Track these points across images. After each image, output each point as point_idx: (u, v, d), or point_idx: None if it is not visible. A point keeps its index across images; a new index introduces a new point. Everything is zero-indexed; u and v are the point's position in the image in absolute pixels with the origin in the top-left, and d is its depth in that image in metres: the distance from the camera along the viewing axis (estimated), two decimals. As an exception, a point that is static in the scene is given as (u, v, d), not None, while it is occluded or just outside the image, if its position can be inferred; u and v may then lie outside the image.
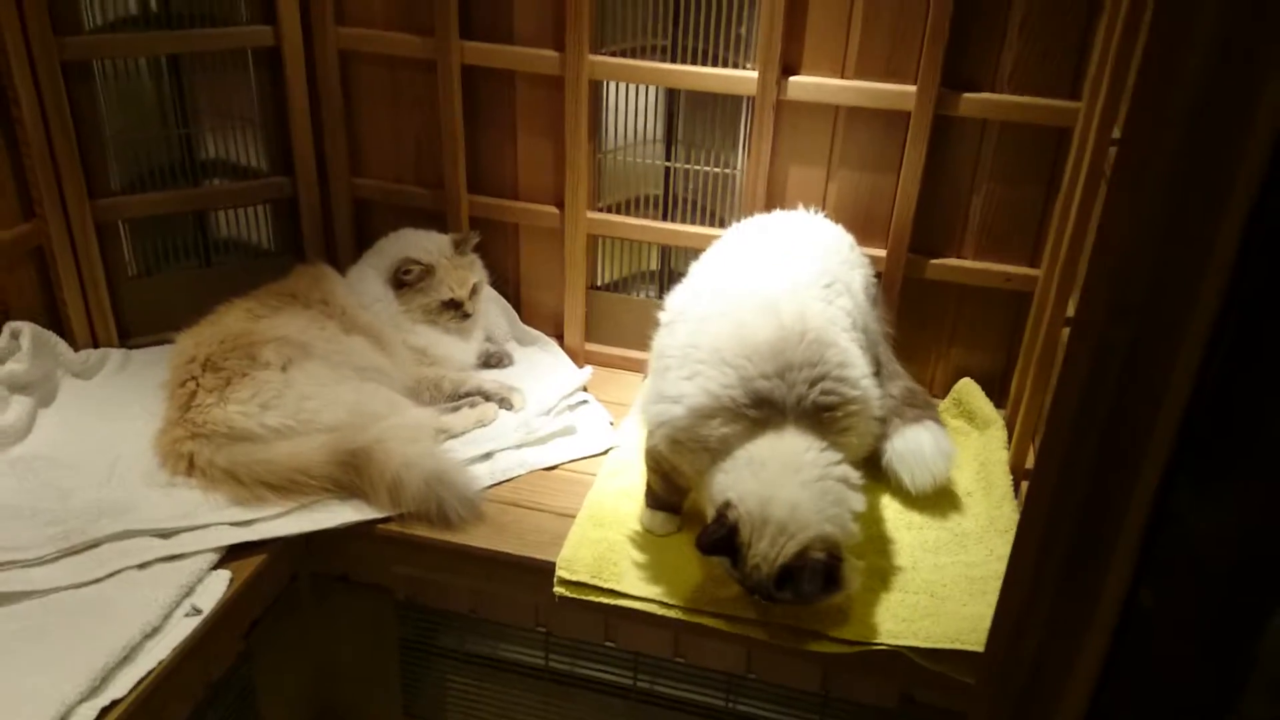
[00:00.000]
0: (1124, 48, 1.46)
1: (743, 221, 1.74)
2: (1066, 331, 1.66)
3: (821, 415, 1.36)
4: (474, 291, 1.98)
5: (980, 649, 1.38)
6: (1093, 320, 0.82)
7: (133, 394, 1.86)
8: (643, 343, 2.10)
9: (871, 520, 1.66)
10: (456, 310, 1.96)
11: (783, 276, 1.50)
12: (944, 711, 1.54)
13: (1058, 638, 1.02)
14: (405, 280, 1.93)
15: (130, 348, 2.03)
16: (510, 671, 1.77)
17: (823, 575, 1.30)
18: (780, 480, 1.31)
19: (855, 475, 1.38)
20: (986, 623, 1.40)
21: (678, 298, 1.59)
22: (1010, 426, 1.83)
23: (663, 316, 1.58)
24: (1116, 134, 1.51)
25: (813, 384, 1.36)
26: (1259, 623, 0.92)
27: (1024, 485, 1.74)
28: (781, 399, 1.35)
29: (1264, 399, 0.79)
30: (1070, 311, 1.67)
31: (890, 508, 1.69)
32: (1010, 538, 1.60)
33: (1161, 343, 0.79)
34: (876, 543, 1.61)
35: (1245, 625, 0.93)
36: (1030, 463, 1.78)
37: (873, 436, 1.47)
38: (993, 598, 1.47)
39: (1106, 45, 1.53)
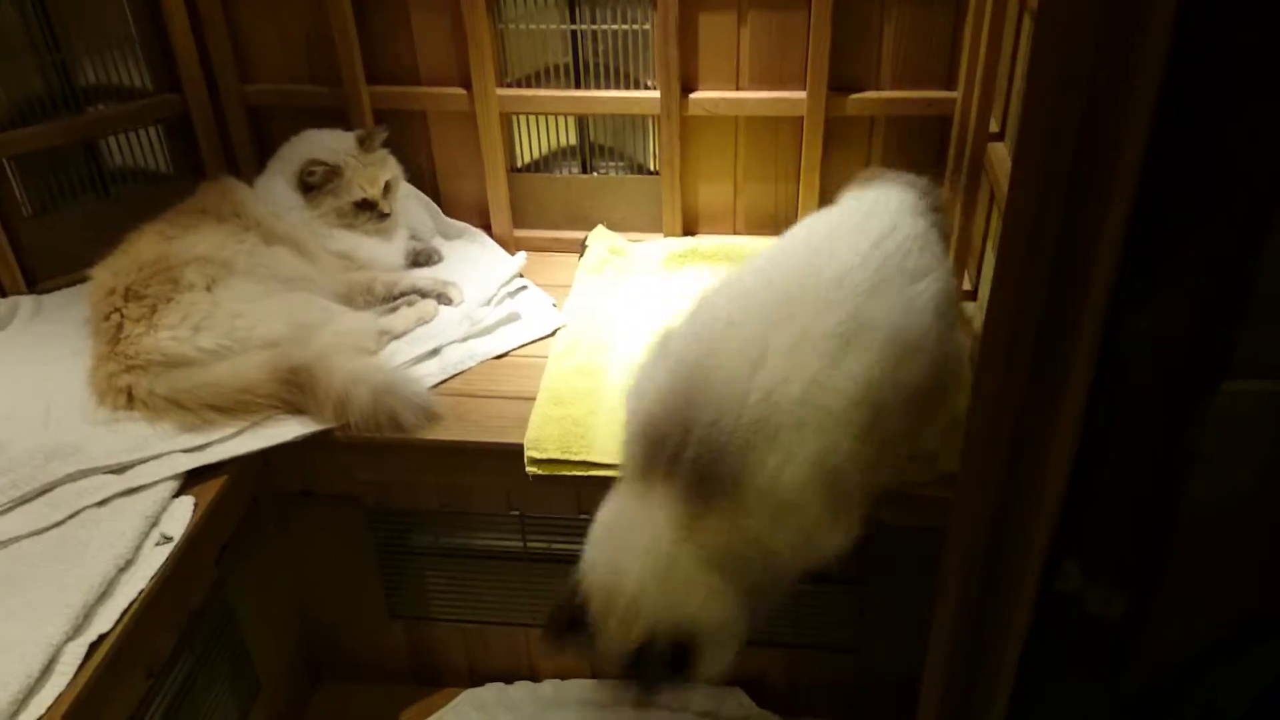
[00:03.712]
0: None
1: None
2: (991, 147, 1.69)
3: (707, 494, 1.11)
4: (388, 189, 1.91)
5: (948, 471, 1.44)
6: (1043, 98, 0.83)
7: (52, 338, 1.77)
8: (571, 222, 2.09)
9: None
10: (371, 211, 1.89)
11: (792, 317, 1.17)
12: (916, 527, 1.61)
13: (1029, 439, 1.06)
14: (311, 183, 1.85)
15: (40, 293, 1.93)
16: (489, 558, 1.79)
17: (670, 662, 1.12)
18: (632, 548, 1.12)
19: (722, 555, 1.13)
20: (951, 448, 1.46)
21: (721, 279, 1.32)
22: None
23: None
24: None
25: (708, 454, 1.09)
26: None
27: (963, 304, 1.79)
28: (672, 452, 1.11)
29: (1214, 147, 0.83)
30: (994, 128, 1.70)
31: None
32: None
33: (1109, 112, 0.80)
34: (831, 380, 1.65)
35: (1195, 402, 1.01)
36: (966, 284, 1.83)
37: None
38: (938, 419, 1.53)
39: None
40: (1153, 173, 0.85)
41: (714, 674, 1.15)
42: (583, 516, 1.72)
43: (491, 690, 1.92)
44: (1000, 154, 1.64)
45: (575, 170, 2.06)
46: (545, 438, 1.57)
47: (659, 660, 1.09)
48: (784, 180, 1.98)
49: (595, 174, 2.05)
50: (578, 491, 1.66)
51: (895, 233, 1.27)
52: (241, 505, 1.66)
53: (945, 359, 1.26)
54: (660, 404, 1.14)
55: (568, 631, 1.14)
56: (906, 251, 1.25)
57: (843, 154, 1.95)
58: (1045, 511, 1.06)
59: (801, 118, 1.90)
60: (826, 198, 1.98)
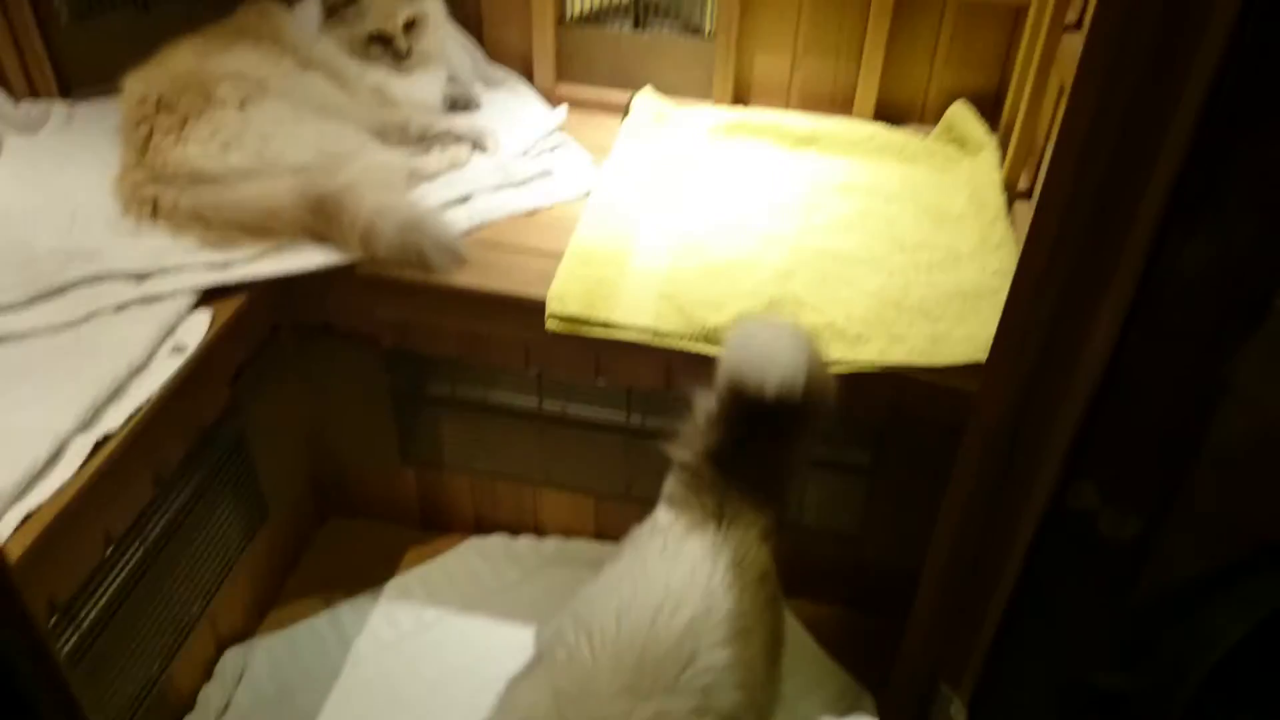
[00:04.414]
0: None
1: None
2: (1066, 39, 1.59)
3: None
4: (412, 27, 1.81)
5: (976, 360, 1.39)
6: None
7: (82, 145, 1.75)
8: (618, 82, 2.01)
9: (865, 243, 1.64)
10: (386, 46, 1.80)
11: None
12: (932, 422, 1.58)
13: (1058, 344, 1.02)
14: (331, 5, 1.76)
15: (74, 101, 1.90)
16: (504, 414, 1.78)
17: None
18: None
19: None
20: (980, 340, 1.42)
21: None
22: (1004, 146, 1.79)
23: None
24: None
25: None
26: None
27: (1017, 205, 1.72)
28: None
29: None
30: (1070, 18, 1.59)
31: (880, 235, 1.67)
32: (1003, 253, 1.60)
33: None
34: (869, 265, 1.60)
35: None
36: (1024, 183, 1.75)
37: None
38: (986, 315, 1.49)
39: None
40: (1230, 75, 0.79)
41: None
42: (600, 382, 1.71)
43: (496, 540, 1.95)
44: (1074, 46, 1.54)
45: (627, 27, 1.97)
46: (569, 294, 1.54)
47: None
48: (845, 57, 1.89)
49: (647, 31, 1.97)
50: (596, 354, 1.64)
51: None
52: (260, 330, 1.66)
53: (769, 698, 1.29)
54: None
55: None
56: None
57: (909, 36, 1.85)
58: (1067, 416, 1.02)
59: (874, -13, 1.80)
60: (886, 84, 1.89)
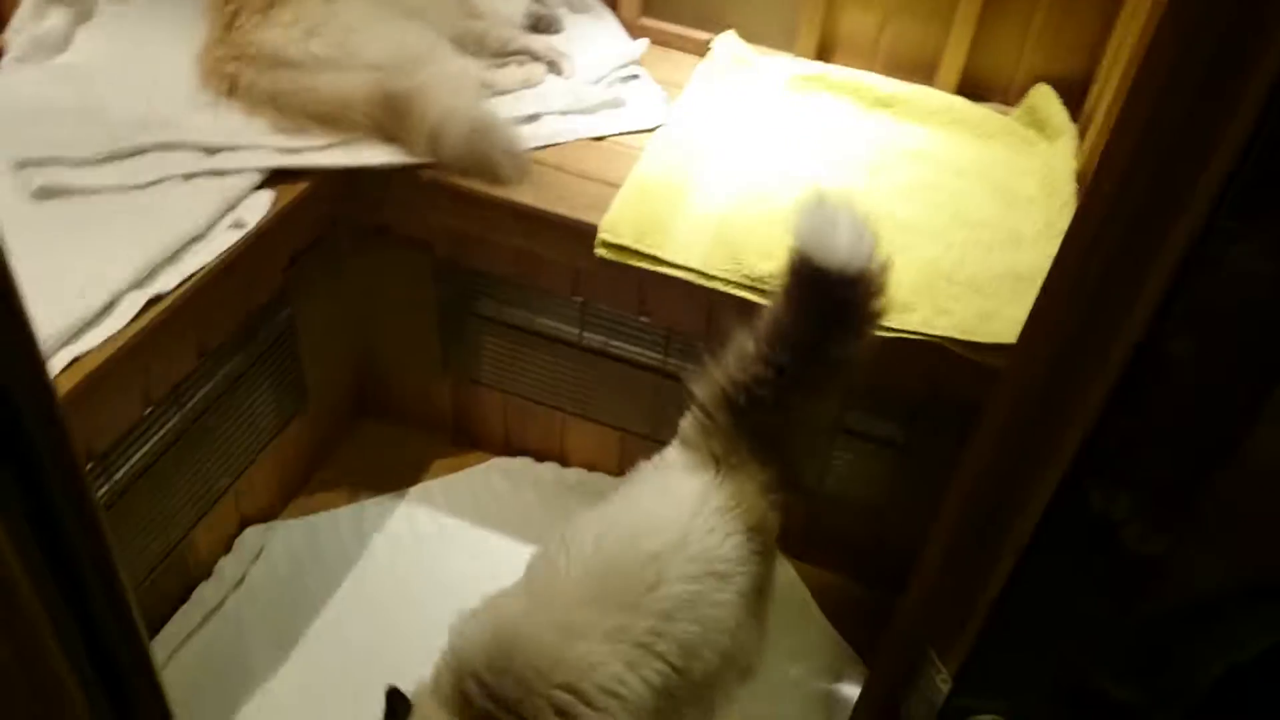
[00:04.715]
0: None
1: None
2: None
3: None
4: None
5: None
6: None
7: (172, 17, 1.78)
8: (702, 22, 1.99)
9: (927, 213, 1.62)
10: None
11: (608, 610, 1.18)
12: (968, 403, 1.56)
13: (1091, 332, 1.00)
14: None
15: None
16: (546, 339, 1.80)
17: None
18: None
19: None
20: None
21: None
22: (1083, 135, 1.75)
23: None
24: None
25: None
26: None
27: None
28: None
29: None
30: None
31: (944, 207, 1.64)
32: (1066, 239, 1.56)
33: None
34: (928, 234, 1.58)
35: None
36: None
37: None
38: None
39: None
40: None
41: None
42: (642, 319, 1.72)
43: (521, 462, 1.98)
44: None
45: (719, -36, 1.95)
46: (622, 222, 1.54)
47: None
48: (935, 25, 1.85)
49: (739, -25, 1.95)
50: (642, 289, 1.65)
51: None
52: (319, 222, 1.69)
53: (742, 647, 1.31)
54: (474, 649, 1.14)
55: None
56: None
57: (1003, 12, 1.79)
58: (1090, 403, 1.00)
59: (970, -47, 1.75)
60: (973, 58, 1.85)
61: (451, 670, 1.13)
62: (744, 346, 1.28)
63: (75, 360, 1.22)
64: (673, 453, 1.38)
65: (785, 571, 1.84)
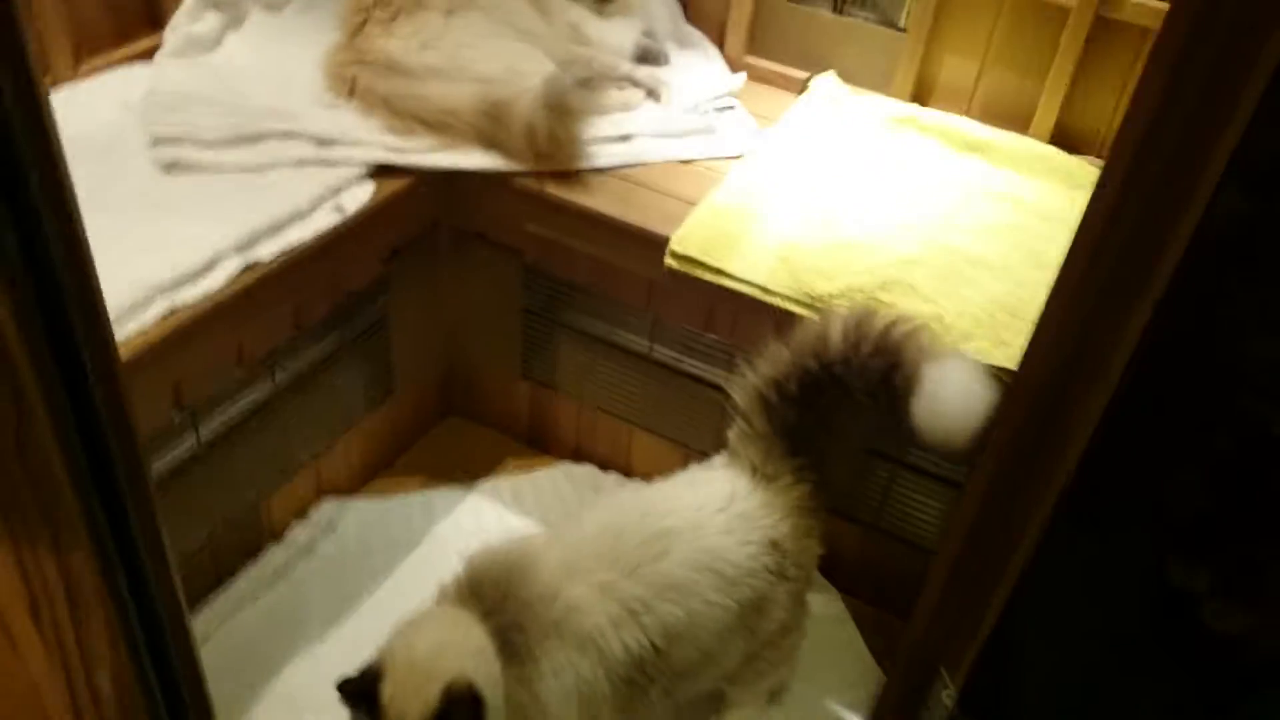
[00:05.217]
0: None
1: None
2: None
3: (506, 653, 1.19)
4: None
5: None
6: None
7: (314, 27, 1.95)
8: (803, 61, 2.05)
9: (1003, 251, 1.61)
10: None
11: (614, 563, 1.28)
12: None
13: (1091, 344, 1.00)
14: None
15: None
16: (619, 351, 1.87)
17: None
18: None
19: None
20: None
21: None
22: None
23: None
24: None
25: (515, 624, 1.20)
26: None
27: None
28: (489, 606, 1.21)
29: None
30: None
31: (1021, 247, 1.63)
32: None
33: None
34: (999, 270, 1.57)
35: None
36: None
37: None
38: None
39: None
40: None
41: None
42: (710, 336, 1.77)
43: (586, 470, 2.04)
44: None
45: (825, 10, 2.00)
46: (691, 237, 1.60)
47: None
48: (1034, 72, 1.85)
49: (843, 17, 2.00)
50: (710, 304, 1.70)
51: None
52: (419, 221, 1.81)
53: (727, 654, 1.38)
54: (492, 564, 1.25)
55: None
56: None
57: (1100, 66, 1.79)
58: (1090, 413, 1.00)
59: (1070, 9, 1.75)
60: (1068, 109, 1.84)
61: (466, 574, 1.25)
62: (779, 352, 1.32)
63: (172, 310, 1.35)
64: (719, 459, 1.45)
65: (834, 605, 1.83)
